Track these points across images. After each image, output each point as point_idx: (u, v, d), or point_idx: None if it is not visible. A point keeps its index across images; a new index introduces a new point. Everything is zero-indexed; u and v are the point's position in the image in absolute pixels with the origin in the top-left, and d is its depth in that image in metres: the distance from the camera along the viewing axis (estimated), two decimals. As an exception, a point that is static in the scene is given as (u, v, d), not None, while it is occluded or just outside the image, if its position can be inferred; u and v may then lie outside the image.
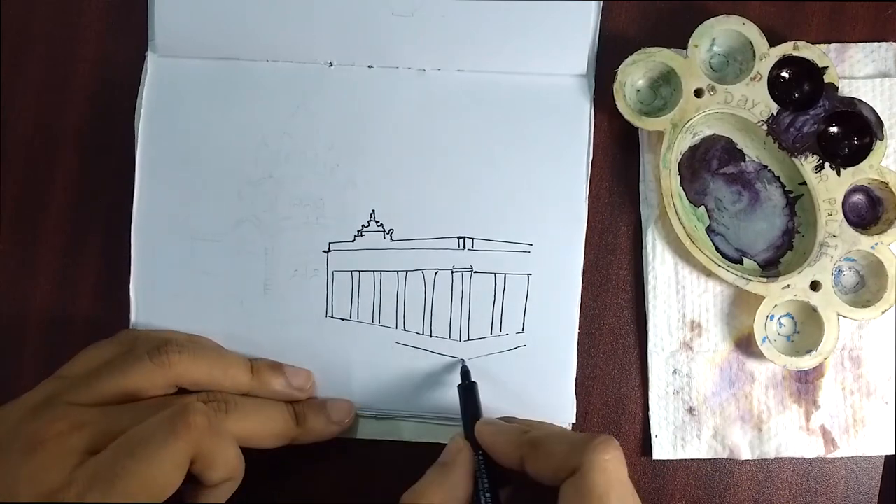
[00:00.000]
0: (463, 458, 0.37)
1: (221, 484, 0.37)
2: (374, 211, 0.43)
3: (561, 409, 0.42)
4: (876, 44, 0.43)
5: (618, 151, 0.44)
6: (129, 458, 0.33)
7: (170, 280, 0.42)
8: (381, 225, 0.42)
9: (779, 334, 0.43)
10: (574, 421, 0.42)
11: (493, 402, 0.41)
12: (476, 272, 0.42)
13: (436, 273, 0.42)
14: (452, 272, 0.42)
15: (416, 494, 0.36)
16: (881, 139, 0.41)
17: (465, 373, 0.41)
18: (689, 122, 0.42)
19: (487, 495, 0.36)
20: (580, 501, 0.33)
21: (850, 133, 0.42)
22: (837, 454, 0.43)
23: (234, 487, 0.38)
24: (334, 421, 0.41)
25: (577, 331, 0.42)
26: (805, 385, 0.43)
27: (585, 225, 0.43)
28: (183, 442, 0.34)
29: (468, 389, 0.40)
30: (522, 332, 0.42)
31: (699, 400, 0.43)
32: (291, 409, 0.40)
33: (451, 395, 0.41)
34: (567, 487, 0.34)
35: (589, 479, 0.33)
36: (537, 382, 0.42)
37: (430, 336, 0.42)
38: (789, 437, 0.43)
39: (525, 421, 0.40)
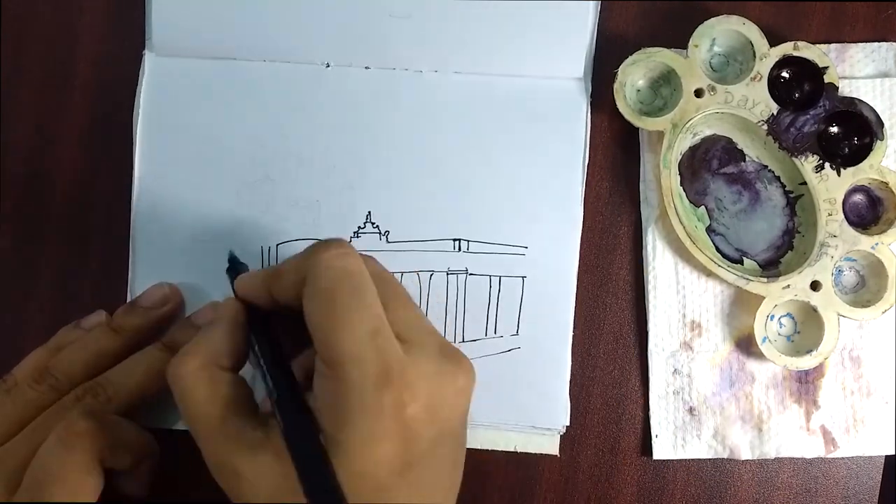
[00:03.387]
0: (223, 310, 0.36)
1: (139, 466, 0.37)
2: (370, 212, 0.43)
3: (555, 412, 0.42)
4: (876, 44, 0.43)
5: (618, 151, 0.44)
6: (42, 494, 0.34)
7: (169, 280, 0.42)
8: (377, 226, 0.42)
9: (779, 334, 0.43)
10: (568, 423, 0.42)
11: (486, 404, 0.41)
12: (471, 274, 0.42)
13: (431, 275, 0.42)
14: (447, 274, 0.42)
15: (176, 359, 0.34)
16: (881, 139, 0.41)
17: (233, 258, 0.39)
18: (690, 122, 0.42)
19: (255, 348, 0.35)
20: (313, 303, 0.31)
21: (851, 133, 0.42)
22: (837, 454, 0.43)
23: (154, 464, 0.38)
24: (201, 325, 0.40)
25: (571, 333, 0.42)
26: (805, 385, 0.43)
27: (581, 228, 0.43)
28: (80, 454, 0.34)
29: (235, 269, 0.38)
30: (517, 334, 0.42)
31: (699, 400, 0.43)
32: (160, 345, 0.39)
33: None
34: (304, 299, 0.32)
35: (313, 280, 0.31)
36: (531, 385, 0.42)
37: (426, 337, 0.42)
38: (789, 437, 0.43)
39: None
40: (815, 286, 0.41)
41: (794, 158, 0.42)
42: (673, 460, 0.43)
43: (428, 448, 0.32)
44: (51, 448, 0.35)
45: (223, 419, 0.32)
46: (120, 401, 0.38)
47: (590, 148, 0.43)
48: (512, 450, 0.43)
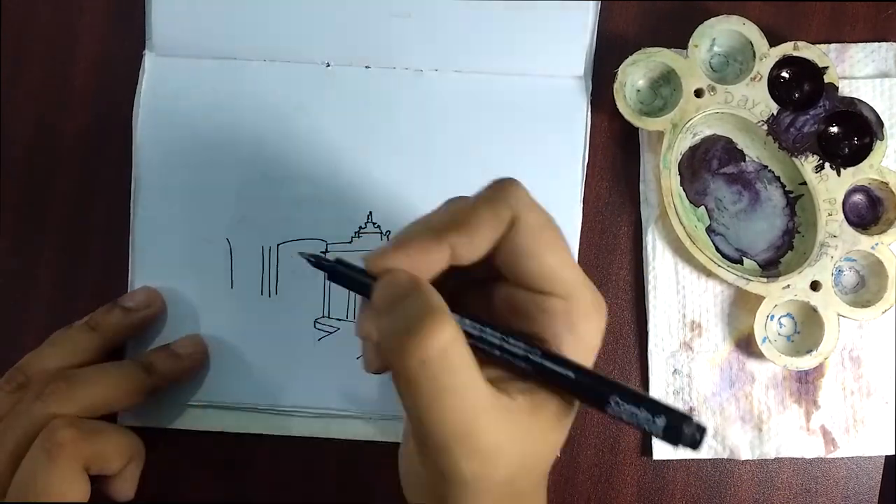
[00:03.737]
0: (406, 284, 0.29)
1: (125, 468, 0.38)
2: (371, 212, 0.43)
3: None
4: (876, 44, 0.43)
5: (618, 151, 0.44)
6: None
7: (168, 280, 0.42)
8: (378, 226, 0.42)
9: (779, 334, 0.43)
10: (569, 425, 0.42)
11: None
12: None
13: None
14: None
15: (418, 336, 0.27)
16: (881, 139, 0.41)
17: (340, 261, 0.32)
18: (690, 122, 0.42)
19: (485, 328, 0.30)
20: (526, 241, 0.29)
21: (851, 133, 0.42)
22: (837, 454, 0.43)
23: (140, 464, 0.39)
24: (181, 355, 0.41)
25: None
26: (805, 385, 0.43)
27: (580, 227, 0.43)
28: (64, 463, 0.34)
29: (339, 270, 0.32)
30: None
31: (699, 400, 0.43)
32: (138, 362, 0.40)
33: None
34: (515, 237, 0.29)
35: (527, 216, 0.29)
36: None
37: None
38: (789, 437, 0.42)
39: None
40: (815, 286, 0.41)
41: (794, 158, 0.42)
42: (673, 460, 0.43)
43: None
44: (35, 459, 0.35)
45: (492, 392, 0.28)
46: (83, 403, 0.37)
47: (590, 148, 0.43)
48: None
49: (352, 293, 0.40)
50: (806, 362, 0.41)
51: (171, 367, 0.40)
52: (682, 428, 0.28)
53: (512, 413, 0.29)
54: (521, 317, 0.31)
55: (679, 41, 0.42)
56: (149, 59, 0.43)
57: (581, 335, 0.31)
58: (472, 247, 0.29)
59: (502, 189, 0.30)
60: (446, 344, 0.27)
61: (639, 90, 0.43)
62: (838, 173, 0.41)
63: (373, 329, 0.30)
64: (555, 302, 0.30)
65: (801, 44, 0.41)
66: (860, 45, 0.43)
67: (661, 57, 0.42)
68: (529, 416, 0.29)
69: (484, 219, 0.30)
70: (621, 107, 0.42)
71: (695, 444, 0.28)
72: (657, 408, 0.28)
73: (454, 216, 0.30)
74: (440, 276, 0.30)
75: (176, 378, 0.41)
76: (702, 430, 0.28)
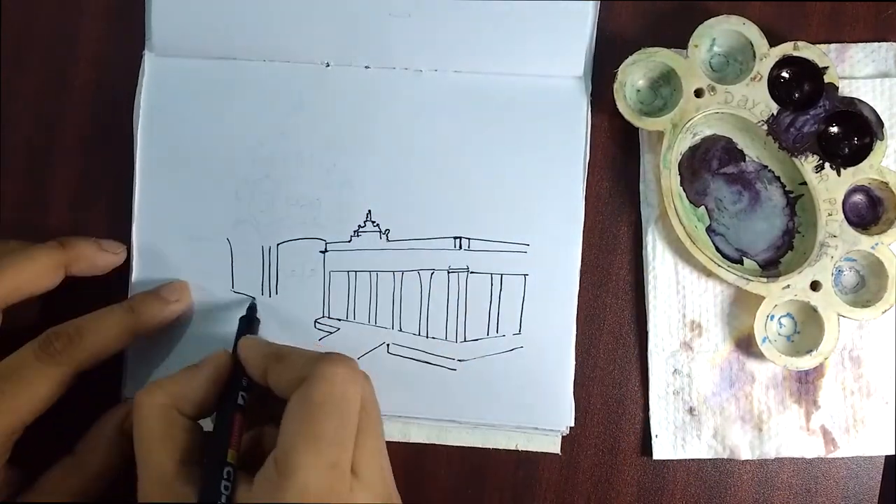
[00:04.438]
0: (211, 361, 0.37)
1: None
2: (370, 211, 0.43)
3: (559, 413, 0.42)
4: (876, 44, 0.43)
5: (618, 151, 0.44)
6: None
7: (168, 280, 0.42)
8: (378, 225, 0.42)
9: (779, 334, 0.43)
10: (573, 424, 0.42)
11: (489, 405, 0.42)
12: (472, 272, 0.42)
13: (432, 273, 0.42)
14: (448, 273, 0.42)
15: (146, 387, 0.35)
16: (881, 139, 0.41)
17: (252, 307, 0.42)
18: (690, 122, 0.42)
19: (233, 395, 0.36)
20: (298, 409, 0.33)
21: (851, 133, 0.42)
22: (837, 454, 0.43)
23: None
24: (166, 298, 0.41)
25: (574, 332, 0.42)
26: (805, 385, 0.43)
27: (582, 225, 0.43)
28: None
29: (249, 321, 0.41)
30: (519, 333, 0.42)
31: (699, 400, 0.43)
32: (127, 307, 0.40)
33: (451, 397, 0.41)
34: (293, 397, 0.33)
35: (310, 387, 0.33)
36: (534, 384, 0.42)
37: (426, 337, 0.42)
38: (789, 437, 0.42)
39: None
40: (815, 286, 0.41)
41: (794, 158, 0.42)
42: (673, 460, 0.43)
43: None
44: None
45: (164, 470, 0.34)
46: (87, 352, 0.38)
47: (590, 147, 0.43)
48: (514, 448, 0.43)
49: (350, 294, 0.43)
50: (806, 362, 0.41)
51: (156, 309, 0.41)
52: None
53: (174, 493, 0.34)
54: None
55: (679, 41, 0.42)
56: (148, 59, 0.43)
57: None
58: (276, 377, 0.35)
59: (322, 355, 0.35)
60: (140, 406, 0.35)
61: (639, 90, 0.43)
62: (838, 173, 0.41)
63: None
64: (269, 482, 0.33)
65: (801, 44, 0.41)
66: (860, 45, 0.43)
67: (661, 57, 0.42)
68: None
69: (289, 361, 0.36)
70: (621, 107, 0.42)
71: None
72: None
73: (289, 350, 0.37)
74: None
75: (162, 320, 0.41)
76: None
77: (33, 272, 0.39)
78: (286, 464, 0.32)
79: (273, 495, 0.32)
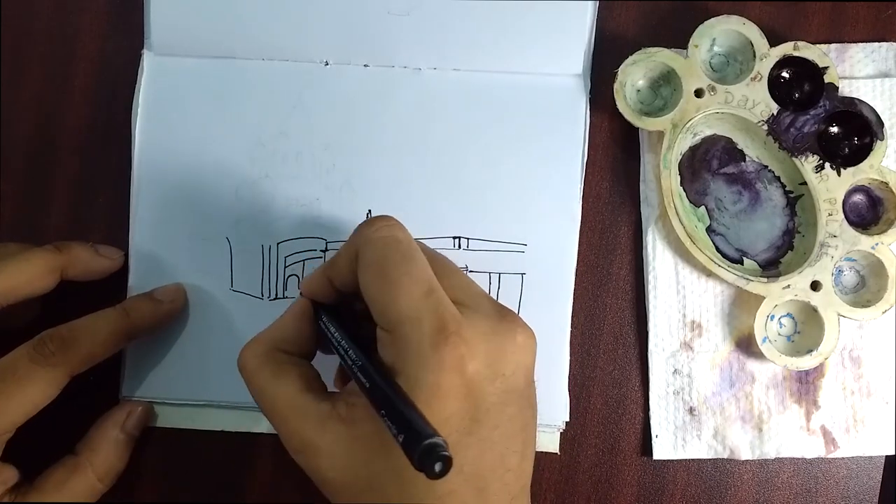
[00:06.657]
0: (293, 304, 0.36)
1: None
2: (370, 211, 0.43)
3: (555, 408, 0.42)
4: (876, 44, 0.43)
5: (618, 151, 0.44)
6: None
7: (168, 280, 0.42)
8: None
9: (779, 334, 0.43)
10: (568, 419, 0.42)
11: None
12: (470, 271, 0.42)
13: None
14: None
15: (244, 346, 0.35)
16: (881, 139, 0.41)
17: None
18: (690, 123, 0.42)
19: (331, 331, 0.35)
20: (365, 278, 0.32)
21: (851, 133, 0.42)
22: (837, 454, 0.43)
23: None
24: (160, 300, 0.41)
25: (569, 330, 0.42)
26: (805, 385, 0.43)
27: (579, 225, 0.43)
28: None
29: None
30: None
31: (699, 400, 0.43)
32: (121, 309, 0.40)
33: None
34: (359, 274, 0.33)
35: (364, 252, 0.32)
36: None
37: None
38: (789, 437, 0.42)
39: None
40: (815, 286, 0.41)
41: (794, 158, 0.42)
42: (673, 460, 0.43)
43: (494, 406, 0.31)
44: None
45: (290, 397, 0.33)
46: (81, 354, 0.38)
47: (589, 147, 0.43)
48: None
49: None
50: (806, 362, 0.41)
51: (149, 312, 0.41)
52: (417, 449, 0.27)
53: (324, 418, 0.32)
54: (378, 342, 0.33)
55: (679, 41, 0.42)
56: (148, 59, 0.43)
57: (405, 368, 0.31)
58: (341, 278, 0.35)
59: (358, 226, 0.34)
60: (245, 361, 0.34)
61: (639, 90, 0.43)
62: (838, 173, 0.41)
63: None
64: (381, 333, 0.32)
65: (801, 44, 0.42)
66: (860, 45, 0.43)
67: (661, 57, 0.42)
68: (346, 424, 0.32)
69: (340, 254, 0.34)
70: (621, 107, 0.42)
71: (427, 469, 0.26)
72: (402, 426, 0.28)
73: (328, 261, 0.36)
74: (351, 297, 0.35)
75: (155, 323, 0.41)
76: (441, 458, 0.26)
77: (29, 275, 0.39)
78: (387, 318, 0.31)
79: (395, 349, 0.31)
